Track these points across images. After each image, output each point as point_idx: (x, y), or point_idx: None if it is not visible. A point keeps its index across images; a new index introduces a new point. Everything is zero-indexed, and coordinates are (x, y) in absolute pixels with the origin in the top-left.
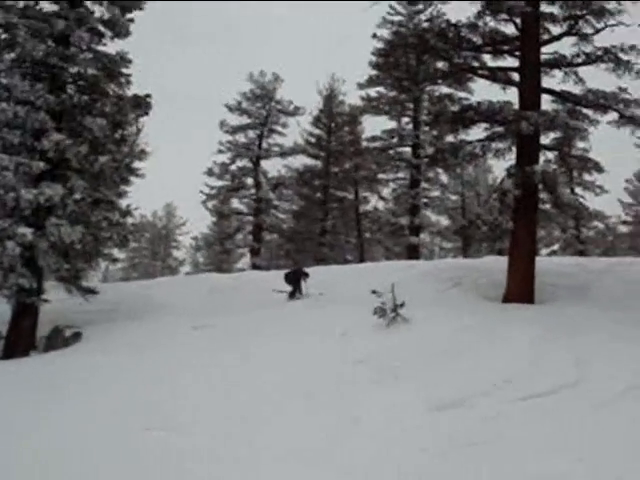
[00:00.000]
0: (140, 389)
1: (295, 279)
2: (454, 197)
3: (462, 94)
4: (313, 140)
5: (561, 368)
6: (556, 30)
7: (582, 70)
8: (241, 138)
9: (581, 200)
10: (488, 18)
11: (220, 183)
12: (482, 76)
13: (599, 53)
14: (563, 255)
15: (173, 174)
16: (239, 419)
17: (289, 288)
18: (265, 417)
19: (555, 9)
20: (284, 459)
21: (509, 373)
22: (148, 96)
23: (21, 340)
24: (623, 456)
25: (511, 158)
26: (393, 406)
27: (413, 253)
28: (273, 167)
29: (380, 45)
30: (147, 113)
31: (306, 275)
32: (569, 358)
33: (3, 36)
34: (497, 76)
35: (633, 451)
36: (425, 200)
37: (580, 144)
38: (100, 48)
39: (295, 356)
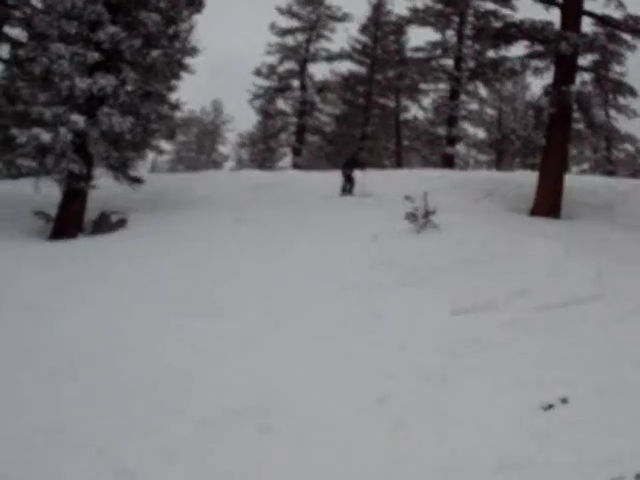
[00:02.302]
0: (179, 276)
1: (350, 170)
2: (491, 111)
3: (506, 11)
4: (359, 47)
5: (580, 282)
6: None
7: None
8: (289, 41)
9: (613, 122)
10: None
11: (267, 83)
12: None
13: None
14: (592, 174)
15: (223, 72)
16: (271, 309)
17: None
18: (293, 309)
19: None
20: (304, 345)
21: (529, 283)
22: None
23: (70, 223)
24: (628, 369)
25: (549, 77)
26: (416, 307)
27: (448, 163)
28: (319, 71)
29: None
30: (200, 11)
31: (361, 166)
32: (588, 273)
33: None
34: None
35: (636, 365)
36: (464, 112)
37: (617, 68)
38: None
39: (328, 256)
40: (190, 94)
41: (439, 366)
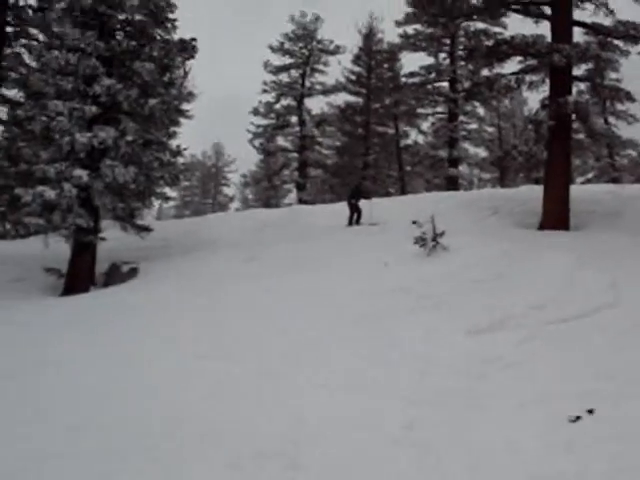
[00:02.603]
0: (193, 319)
1: (355, 200)
2: (491, 129)
3: (496, 29)
4: (354, 78)
5: (594, 293)
6: None
7: (612, 2)
8: (284, 78)
9: (613, 129)
10: None
11: (265, 122)
12: (515, 10)
13: None
14: (598, 183)
15: (220, 114)
16: (290, 346)
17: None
18: (311, 344)
19: None
20: (324, 384)
21: (544, 298)
22: (194, 39)
23: (80, 277)
24: None
25: (545, 90)
26: (433, 331)
27: (452, 184)
28: (316, 105)
29: None
30: (193, 56)
31: (365, 195)
32: (602, 283)
33: None
34: (530, 10)
35: None
36: (463, 133)
37: (612, 74)
38: None
39: (341, 287)
40: (195, 139)
41: (461, 388)
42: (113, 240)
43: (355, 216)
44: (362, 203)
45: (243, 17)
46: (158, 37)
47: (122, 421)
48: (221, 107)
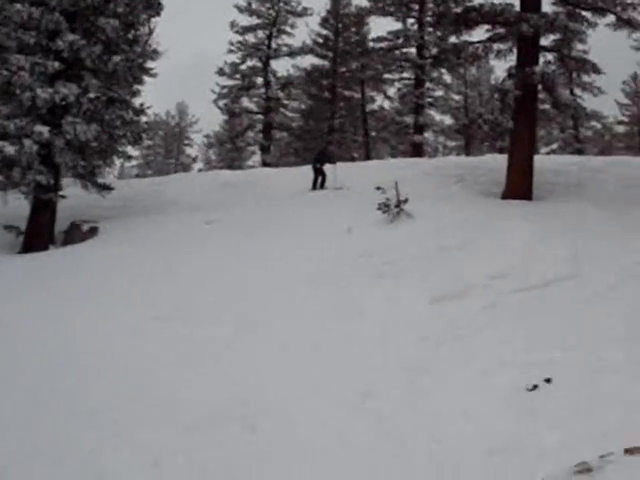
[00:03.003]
0: (151, 281)
1: (320, 164)
2: (457, 97)
3: None
4: (321, 40)
5: (556, 263)
6: None
7: None
8: (251, 38)
9: (579, 100)
10: None
11: (231, 82)
12: None
13: None
14: (562, 154)
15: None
16: (248, 310)
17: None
18: (269, 309)
19: None
20: (283, 349)
21: (506, 267)
22: None
23: (40, 235)
24: (612, 344)
25: (512, 59)
26: (396, 298)
27: (417, 151)
28: (282, 67)
29: None
30: (159, 13)
31: (331, 159)
32: (564, 253)
33: None
34: None
35: (620, 339)
36: (429, 99)
37: (579, 46)
38: None
39: (303, 252)
40: (162, 98)
41: (421, 355)
42: (73, 198)
43: (319, 180)
44: (327, 167)
45: None
46: None
47: (76, 382)
48: (190, 66)
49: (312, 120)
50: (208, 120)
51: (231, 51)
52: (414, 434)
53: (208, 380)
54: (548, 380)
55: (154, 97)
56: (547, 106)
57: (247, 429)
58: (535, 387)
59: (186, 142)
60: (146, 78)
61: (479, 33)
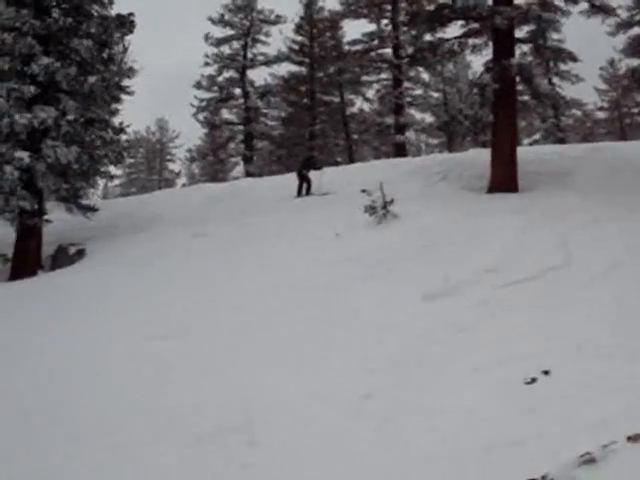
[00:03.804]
0: (143, 300)
1: (306, 171)
2: (436, 94)
3: None
4: (296, 47)
5: (546, 254)
6: None
7: None
8: (226, 50)
9: (558, 89)
10: None
11: (209, 95)
12: None
13: None
14: (544, 144)
15: (171, 89)
16: (240, 320)
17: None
18: (264, 317)
19: None
20: (280, 358)
21: (496, 261)
22: (131, 14)
23: (27, 261)
24: (606, 331)
25: (488, 53)
26: (388, 298)
27: (400, 151)
28: (259, 76)
29: None
30: (132, 31)
31: (316, 166)
32: (553, 244)
33: None
34: None
35: (614, 328)
36: (409, 99)
37: (554, 35)
38: None
39: (292, 258)
40: (143, 115)
41: (418, 355)
42: (59, 222)
43: (305, 187)
44: (312, 174)
45: None
46: (95, 13)
47: (75, 406)
48: (172, 82)
49: (293, 127)
50: (191, 134)
51: (207, 64)
52: (416, 434)
53: (205, 394)
54: (546, 372)
55: (136, 114)
56: (527, 97)
57: (246, 443)
58: (533, 380)
59: (168, 157)
60: (123, 96)
61: (454, 29)
